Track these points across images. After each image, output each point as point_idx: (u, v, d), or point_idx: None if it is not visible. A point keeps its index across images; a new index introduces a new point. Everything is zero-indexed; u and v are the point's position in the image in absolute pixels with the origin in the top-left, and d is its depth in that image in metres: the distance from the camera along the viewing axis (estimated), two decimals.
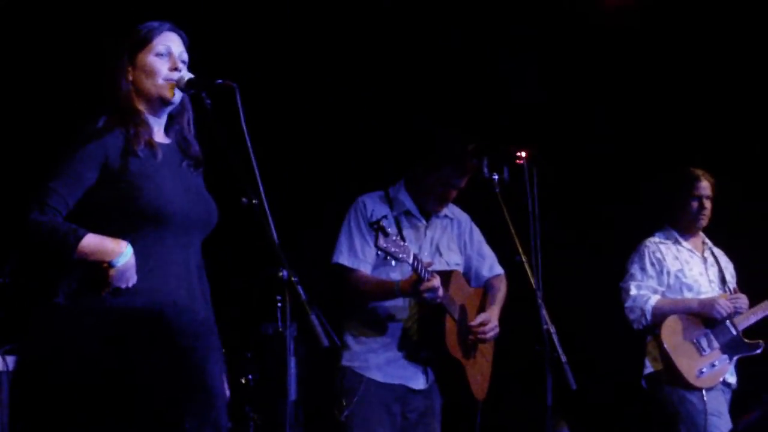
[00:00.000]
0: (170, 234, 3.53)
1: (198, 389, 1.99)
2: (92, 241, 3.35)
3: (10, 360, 4.30)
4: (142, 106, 3.63)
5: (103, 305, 2.83)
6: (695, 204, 6.05)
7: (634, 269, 6.03)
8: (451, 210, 5.28)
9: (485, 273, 5.35)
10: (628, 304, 5.96)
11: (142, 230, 3.48)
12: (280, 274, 3.32)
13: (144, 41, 3.62)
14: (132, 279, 3.31)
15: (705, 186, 6.05)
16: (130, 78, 3.62)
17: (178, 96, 3.64)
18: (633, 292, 5.96)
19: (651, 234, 6.14)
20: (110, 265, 3.33)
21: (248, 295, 5.49)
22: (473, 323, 5.09)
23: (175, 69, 3.62)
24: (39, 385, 1.56)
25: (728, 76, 7.12)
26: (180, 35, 3.70)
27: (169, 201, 3.51)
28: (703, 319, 5.95)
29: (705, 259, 6.15)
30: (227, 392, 3.17)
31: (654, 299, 5.90)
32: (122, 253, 3.34)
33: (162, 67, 3.62)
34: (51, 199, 3.42)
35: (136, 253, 3.44)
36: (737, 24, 6.99)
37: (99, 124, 3.53)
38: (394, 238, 4.51)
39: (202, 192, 3.72)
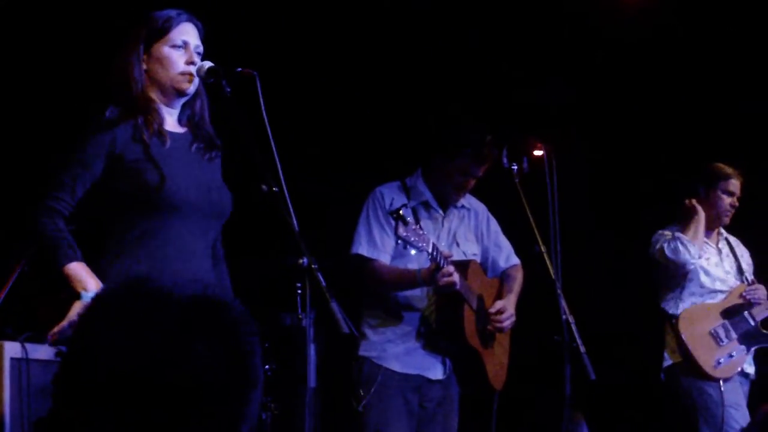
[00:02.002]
0: (180, 221, 3.53)
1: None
2: (77, 271, 3.41)
3: (30, 348, 4.30)
4: (155, 95, 3.63)
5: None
6: (727, 200, 6.03)
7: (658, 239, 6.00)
8: (468, 200, 5.27)
9: (502, 263, 5.34)
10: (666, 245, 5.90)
11: (150, 218, 3.49)
12: (301, 261, 3.33)
13: (161, 32, 3.61)
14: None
15: (736, 184, 6.04)
16: (145, 67, 3.62)
17: (193, 88, 3.65)
18: (665, 242, 5.91)
19: (662, 228, 6.10)
20: (79, 296, 3.37)
21: (266, 284, 5.49)
22: (490, 310, 5.08)
23: (191, 62, 3.62)
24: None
25: (752, 72, 7.08)
26: (196, 26, 3.69)
27: (177, 188, 3.52)
28: (721, 309, 5.94)
29: (720, 250, 6.13)
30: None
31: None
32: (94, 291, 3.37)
33: (179, 59, 3.62)
34: (59, 192, 3.47)
35: (143, 238, 3.46)
36: (761, 22, 6.95)
37: (108, 114, 3.54)
38: (413, 227, 4.50)
39: (216, 180, 3.71)
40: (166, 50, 3.61)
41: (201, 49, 3.67)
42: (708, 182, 6.05)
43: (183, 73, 3.61)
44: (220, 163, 3.78)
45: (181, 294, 1.53)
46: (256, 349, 1.56)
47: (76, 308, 3.38)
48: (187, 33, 3.65)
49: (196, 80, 3.64)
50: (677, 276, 5.93)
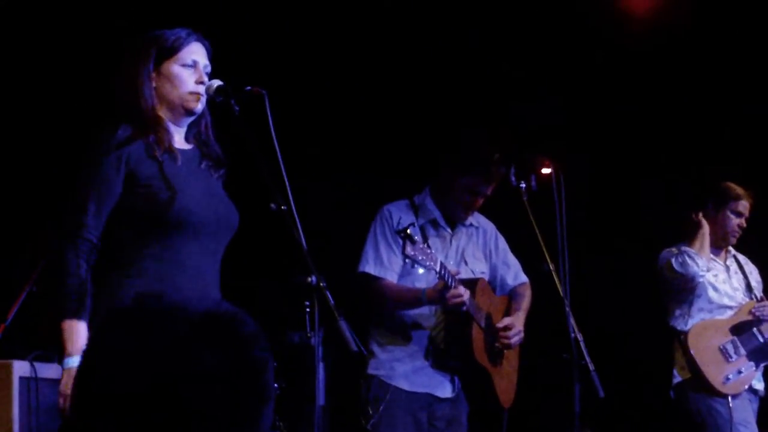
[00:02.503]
0: (191, 239, 3.53)
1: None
2: (71, 331, 3.39)
3: (39, 367, 4.31)
4: (163, 113, 3.63)
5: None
6: (735, 221, 6.03)
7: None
8: (477, 218, 5.27)
9: (510, 281, 5.34)
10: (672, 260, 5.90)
11: (162, 235, 3.49)
12: (309, 279, 3.33)
13: (171, 51, 3.62)
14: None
15: (746, 205, 6.04)
16: (154, 85, 3.63)
17: (201, 107, 3.65)
18: (672, 257, 5.91)
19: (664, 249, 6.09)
20: (63, 363, 3.40)
21: (275, 303, 5.49)
22: (498, 326, 5.07)
23: (201, 82, 3.63)
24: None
25: (759, 82, 7.08)
26: (205, 45, 3.70)
27: (189, 206, 3.52)
28: (730, 326, 5.93)
29: (728, 267, 6.13)
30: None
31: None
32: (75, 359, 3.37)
33: (189, 78, 3.62)
34: (86, 222, 3.46)
35: (154, 256, 3.46)
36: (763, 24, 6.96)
37: (120, 132, 3.54)
38: (421, 245, 4.50)
39: (224, 197, 3.72)
40: (176, 69, 3.61)
41: (209, 68, 3.69)
42: (718, 201, 6.05)
43: (192, 93, 3.62)
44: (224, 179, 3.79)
45: (193, 309, 1.53)
46: (268, 365, 1.56)
47: (65, 380, 3.39)
48: (197, 53, 3.66)
49: (204, 99, 3.65)
50: (685, 291, 5.93)
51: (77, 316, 3.41)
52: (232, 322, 1.54)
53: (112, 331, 1.53)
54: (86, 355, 1.55)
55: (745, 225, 6.06)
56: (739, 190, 6.05)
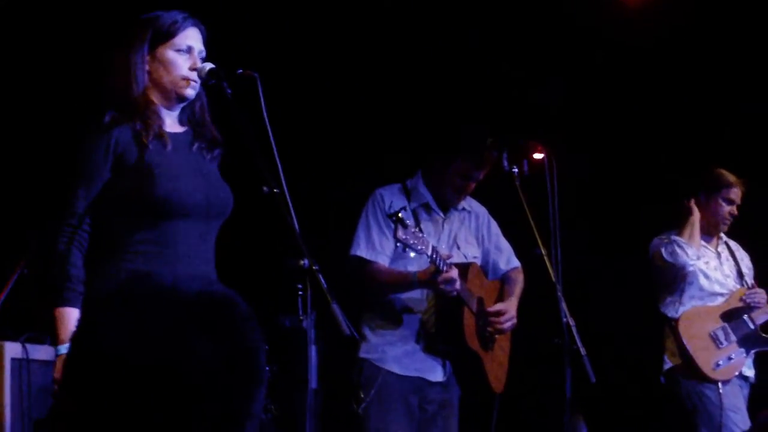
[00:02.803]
0: (182, 223, 3.52)
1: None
2: (64, 319, 3.39)
3: (31, 348, 4.32)
4: (155, 98, 3.61)
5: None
6: (726, 208, 6.03)
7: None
8: (469, 203, 5.27)
9: (503, 266, 5.34)
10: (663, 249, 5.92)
11: (152, 220, 3.49)
12: (302, 262, 3.33)
13: (167, 35, 3.59)
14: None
15: (738, 193, 6.04)
16: (147, 69, 3.60)
17: (193, 93, 3.64)
18: (663, 245, 5.93)
19: (658, 236, 6.10)
20: (56, 350, 3.41)
21: (266, 287, 5.49)
22: (490, 310, 5.08)
23: (195, 68, 3.61)
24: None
25: (755, 73, 7.08)
26: (200, 30, 3.67)
27: (178, 190, 3.51)
28: (721, 312, 5.94)
29: (719, 254, 6.14)
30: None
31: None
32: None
33: (183, 64, 3.60)
34: (76, 211, 3.46)
35: (145, 241, 3.46)
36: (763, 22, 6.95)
37: (106, 119, 3.52)
38: (412, 230, 4.50)
39: (217, 178, 3.71)
40: (170, 54, 3.59)
41: (204, 53, 3.66)
42: (709, 188, 6.05)
43: (185, 78, 3.60)
44: (219, 160, 3.78)
45: (184, 290, 1.53)
46: (260, 347, 1.55)
47: (58, 366, 3.40)
48: (192, 38, 3.63)
49: (197, 85, 3.63)
50: (676, 279, 5.94)
51: (70, 303, 3.40)
52: (223, 303, 1.54)
53: (101, 313, 1.52)
54: (75, 338, 1.55)
55: (736, 212, 6.06)
56: (731, 178, 6.04)
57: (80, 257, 3.46)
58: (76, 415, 1.49)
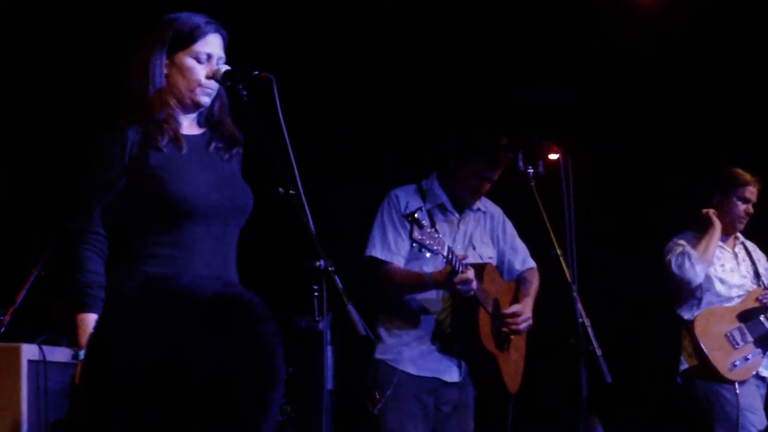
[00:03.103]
0: (200, 226, 3.52)
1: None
2: (86, 325, 3.40)
3: (47, 350, 4.32)
4: (172, 101, 3.60)
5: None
6: (742, 207, 6.01)
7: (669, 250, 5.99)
8: (484, 203, 5.26)
9: (518, 266, 5.34)
10: (673, 260, 5.90)
11: (169, 222, 3.48)
12: (318, 263, 3.33)
13: (187, 41, 3.56)
14: None
15: (753, 191, 6.01)
16: (165, 72, 3.59)
17: (209, 100, 3.61)
18: (674, 255, 5.90)
19: (676, 235, 6.07)
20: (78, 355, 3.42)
21: (282, 288, 5.50)
22: (506, 312, 5.08)
23: (212, 77, 3.58)
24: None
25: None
26: (222, 36, 3.64)
27: (194, 193, 3.50)
28: (737, 313, 5.93)
29: (736, 255, 6.11)
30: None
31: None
32: None
33: (201, 72, 3.57)
34: (93, 212, 3.47)
35: (161, 244, 3.47)
36: None
37: (121, 123, 3.51)
38: (428, 230, 4.50)
39: (236, 179, 3.69)
40: (189, 61, 3.56)
41: (223, 59, 3.62)
42: (724, 187, 6.02)
43: (201, 86, 3.59)
44: (240, 158, 3.77)
45: (201, 291, 1.52)
46: (277, 347, 1.55)
47: (79, 370, 3.39)
48: (213, 44, 3.59)
49: (213, 92, 3.62)
50: (686, 289, 5.93)
51: (91, 309, 3.41)
52: (241, 303, 1.54)
53: (118, 314, 1.52)
54: (92, 339, 1.55)
55: (752, 211, 6.04)
56: (747, 176, 6.02)
57: (101, 262, 3.46)
58: (93, 416, 1.49)
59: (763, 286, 6.05)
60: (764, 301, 5.97)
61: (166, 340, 1.47)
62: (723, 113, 7.15)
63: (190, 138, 3.62)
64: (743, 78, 7.10)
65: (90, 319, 3.39)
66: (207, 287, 1.52)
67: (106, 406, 1.47)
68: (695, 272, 5.84)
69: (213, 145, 3.67)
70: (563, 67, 7.18)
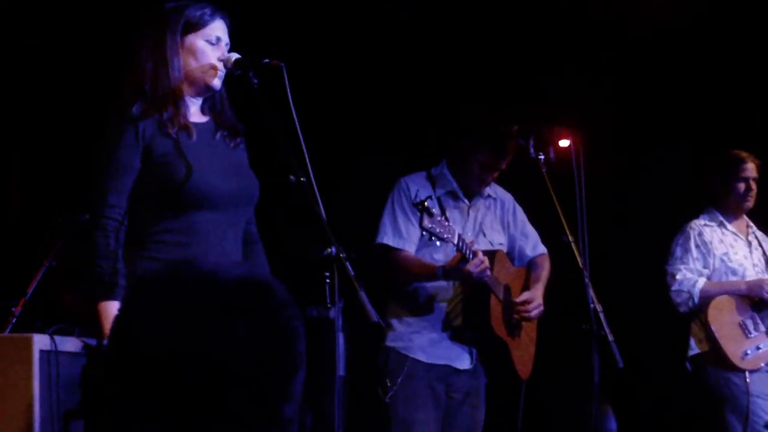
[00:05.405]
0: (211, 213, 3.53)
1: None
2: (108, 313, 3.39)
3: (59, 340, 4.33)
4: (184, 86, 3.63)
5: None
6: (742, 186, 6.00)
7: (680, 252, 5.99)
8: (494, 190, 5.26)
9: (529, 252, 5.33)
10: (675, 287, 5.91)
11: (182, 210, 3.50)
12: (329, 251, 3.33)
13: (197, 25, 3.61)
14: None
15: (751, 168, 6.01)
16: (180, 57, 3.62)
17: (220, 82, 3.65)
18: (679, 276, 5.91)
19: (696, 216, 6.09)
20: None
21: (293, 275, 5.49)
22: (517, 300, 5.08)
23: (222, 60, 3.62)
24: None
25: None
26: (226, 22, 3.69)
27: (206, 180, 3.52)
28: (750, 301, 5.91)
29: (749, 243, 6.10)
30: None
31: (701, 282, 5.86)
32: None
33: (212, 54, 3.61)
34: (111, 205, 3.47)
35: (174, 232, 3.47)
36: None
37: (133, 110, 3.53)
38: (438, 218, 4.49)
39: (242, 167, 3.72)
40: (200, 44, 3.61)
41: (229, 45, 3.68)
42: (723, 171, 6.03)
43: (214, 68, 3.61)
44: (245, 147, 3.78)
45: (226, 275, 1.52)
46: (299, 332, 1.55)
47: None
48: (220, 29, 3.66)
49: (223, 75, 3.64)
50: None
51: (112, 296, 3.41)
52: (266, 288, 1.54)
53: (141, 297, 1.52)
54: (115, 324, 1.55)
55: (754, 187, 6.02)
56: (742, 154, 6.03)
57: (117, 248, 3.47)
58: (117, 401, 1.49)
59: None
60: None
61: (190, 322, 1.47)
62: (735, 99, 7.12)
63: (198, 125, 3.64)
64: (759, 63, 7.07)
65: (113, 307, 3.39)
66: (230, 272, 1.53)
67: (128, 388, 1.47)
68: (687, 307, 5.87)
69: (219, 133, 3.69)
70: (575, 54, 7.15)
